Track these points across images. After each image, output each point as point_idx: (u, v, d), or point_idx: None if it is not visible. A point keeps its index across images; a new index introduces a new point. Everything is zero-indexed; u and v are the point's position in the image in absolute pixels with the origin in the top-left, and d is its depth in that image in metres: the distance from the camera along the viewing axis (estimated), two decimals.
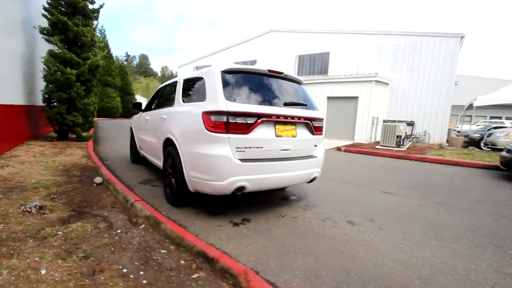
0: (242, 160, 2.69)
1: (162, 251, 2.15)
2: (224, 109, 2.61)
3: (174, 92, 4.01)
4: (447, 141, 13.14)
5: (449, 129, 15.70)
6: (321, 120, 3.40)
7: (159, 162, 3.99)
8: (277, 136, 2.92)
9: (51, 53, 6.93)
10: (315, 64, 18.57)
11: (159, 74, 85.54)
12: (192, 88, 3.39)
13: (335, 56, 17.36)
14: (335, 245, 2.49)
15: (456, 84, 14.20)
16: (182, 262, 1.99)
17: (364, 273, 2.05)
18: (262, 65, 19.82)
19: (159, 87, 4.82)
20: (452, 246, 2.56)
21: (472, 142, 11.70)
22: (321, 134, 3.46)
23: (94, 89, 8.23)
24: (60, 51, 6.95)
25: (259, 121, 2.75)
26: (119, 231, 2.48)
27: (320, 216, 3.23)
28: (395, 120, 14.14)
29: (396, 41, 14.96)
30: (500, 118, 20.48)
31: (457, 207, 3.79)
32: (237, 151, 2.68)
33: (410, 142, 13.10)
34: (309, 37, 18.29)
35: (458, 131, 15.80)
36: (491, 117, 21.66)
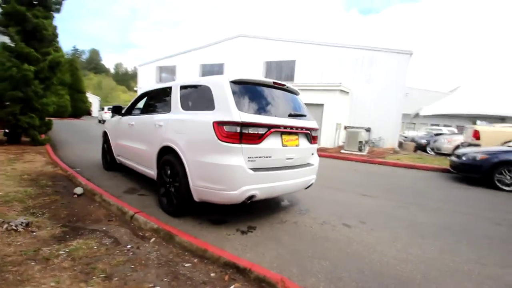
0: (254, 169, 2.75)
1: (186, 264, 2.10)
2: (238, 119, 2.65)
3: (167, 98, 3.89)
4: (399, 146, 14.65)
5: None
6: (317, 130, 3.62)
7: (149, 171, 3.82)
8: (283, 145, 3.04)
9: (4, 47, 6.10)
10: (282, 71, 19.21)
11: (112, 71, 79.75)
12: (193, 95, 3.34)
13: (301, 64, 18.20)
14: (341, 248, 2.69)
15: (406, 95, 15.94)
16: (212, 274, 1.98)
17: (375, 272, 2.27)
18: (229, 69, 20.06)
19: (145, 91, 4.60)
20: (436, 243, 2.95)
21: (420, 147, 13.26)
22: (316, 143, 3.68)
23: (53, 88, 7.44)
24: (16, 44, 6.16)
25: (269, 131, 2.85)
26: (129, 246, 2.35)
27: (317, 220, 3.43)
28: (354, 126, 15.34)
29: (355, 54, 16.27)
30: (438, 125, 23.46)
31: (426, 207, 4.32)
32: (249, 160, 2.74)
33: (369, 147, 14.31)
34: (277, 45, 18.89)
35: (405, 137, 17.72)
36: (432, 125, 24.71)
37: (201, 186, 2.83)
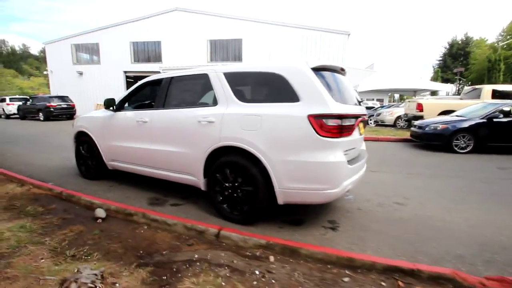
0: (348, 163, 2.61)
1: (345, 279, 1.89)
2: (337, 111, 2.43)
3: (201, 88, 3.29)
4: None
5: None
6: None
7: (184, 176, 3.23)
8: (360, 135, 2.96)
9: None
10: (229, 50, 18.45)
11: None
12: (253, 85, 2.89)
13: (248, 43, 17.79)
14: (426, 226, 2.85)
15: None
16: (383, 284, 1.84)
17: (477, 243, 2.49)
18: (167, 48, 18.56)
19: (150, 79, 3.74)
20: (479, 207, 3.40)
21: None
22: None
23: None
24: None
25: (357, 122, 2.71)
26: (257, 272, 1.96)
27: (372, 202, 3.53)
28: None
29: (302, 34, 16.80)
30: (373, 99, 26.66)
31: (425, 175, 4.95)
32: (344, 154, 2.57)
33: None
34: (221, 22, 17.85)
35: None
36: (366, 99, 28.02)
37: (293, 188, 2.54)
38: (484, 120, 6.72)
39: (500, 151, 6.80)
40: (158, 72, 18.89)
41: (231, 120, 2.80)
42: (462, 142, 6.83)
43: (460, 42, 44.58)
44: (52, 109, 15.96)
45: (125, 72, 19.99)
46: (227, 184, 2.87)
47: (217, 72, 3.05)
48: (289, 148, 2.52)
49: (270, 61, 2.95)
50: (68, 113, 16.81)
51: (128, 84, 20.60)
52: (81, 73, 20.11)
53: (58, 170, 4.98)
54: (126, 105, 4.11)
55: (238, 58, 18.15)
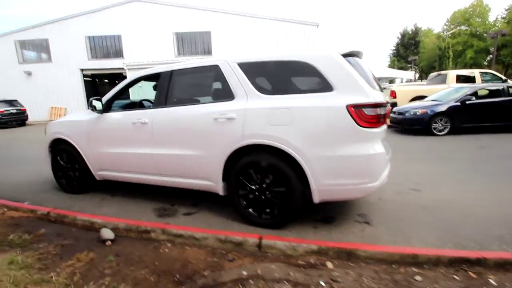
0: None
1: (417, 277, 1.77)
2: (375, 100, 2.29)
3: (211, 80, 2.96)
4: None
5: None
6: None
7: (199, 182, 2.90)
8: (386, 124, 2.87)
9: None
10: (197, 44, 17.66)
11: None
12: (276, 75, 2.62)
13: (217, 36, 17.18)
14: (453, 211, 2.84)
15: None
16: (456, 277, 1.75)
17: (506, 222, 2.55)
18: (129, 42, 17.42)
19: (145, 74, 3.27)
20: (487, 186, 3.53)
21: None
22: None
23: None
24: None
25: (389, 109, 2.60)
26: (322, 283, 1.76)
27: (389, 191, 3.48)
28: None
29: (274, 26, 16.63)
30: None
31: (420, 159, 5.13)
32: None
33: None
34: (187, 13, 16.96)
35: None
36: None
37: (331, 185, 2.36)
38: (458, 104, 7.19)
39: (472, 131, 7.35)
40: (121, 69, 17.57)
41: (256, 115, 2.52)
42: (440, 125, 7.26)
43: (410, 32, 48.04)
44: None
45: (82, 70, 18.15)
46: (253, 187, 2.60)
47: (229, 62, 2.73)
48: (327, 142, 2.33)
49: (292, 49, 2.71)
50: (19, 119, 14.85)
51: (86, 83, 18.79)
52: (29, 73, 17.81)
53: (28, 186, 4.25)
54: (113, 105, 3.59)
55: (207, 51, 17.47)
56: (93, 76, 19.85)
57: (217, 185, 2.79)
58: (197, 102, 2.97)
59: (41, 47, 18.19)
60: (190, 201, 3.34)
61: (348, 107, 2.25)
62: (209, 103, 2.82)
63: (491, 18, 36.50)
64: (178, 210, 3.15)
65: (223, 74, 2.74)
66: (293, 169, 2.41)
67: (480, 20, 35.96)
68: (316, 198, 2.43)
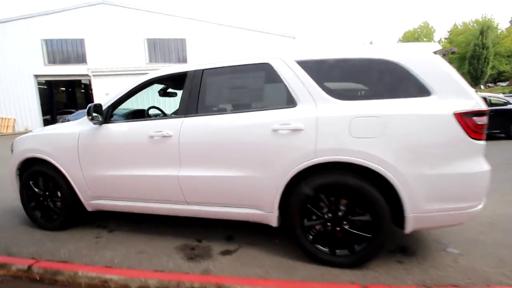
0: None
1: None
2: (482, 106, 1.90)
3: (262, 83, 2.38)
4: None
5: None
6: None
7: (245, 211, 2.25)
8: None
9: None
10: (171, 51, 16.71)
11: None
12: (347, 76, 2.12)
13: (192, 44, 16.47)
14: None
15: None
16: None
17: None
18: (93, 47, 16.08)
19: (160, 75, 2.55)
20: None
21: None
22: None
23: None
24: None
25: None
26: None
27: None
28: None
29: (249, 36, 16.43)
30: None
31: None
32: None
33: None
34: (160, 19, 16.03)
35: None
36: None
37: (434, 210, 1.90)
38: None
39: None
40: (84, 76, 15.82)
41: (333, 125, 1.98)
42: None
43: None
44: None
45: (37, 76, 16.01)
46: (325, 216, 2.03)
47: (285, 60, 2.18)
48: (429, 157, 1.87)
49: (373, 46, 2.27)
50: None
51: (41, 91, 16.59)
52: None
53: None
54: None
55: (182, 59, 16.60)
56: (49, 83, 17.64)
57: (271, 215, 2.16)
58: (241, 109, 2.34)
59: None
60: (221, 233, 2.64)
61: (456, 115, 1.83)
62: (260, 110, 2.21)
63: (436, 38, 41.12)
64: (210, 247, 2.42)
65: (277, 75, 2.17)
66: (382, 193, 1.91)
67: (426, 39, 40.14)
68: (409, 227, 1.93)
